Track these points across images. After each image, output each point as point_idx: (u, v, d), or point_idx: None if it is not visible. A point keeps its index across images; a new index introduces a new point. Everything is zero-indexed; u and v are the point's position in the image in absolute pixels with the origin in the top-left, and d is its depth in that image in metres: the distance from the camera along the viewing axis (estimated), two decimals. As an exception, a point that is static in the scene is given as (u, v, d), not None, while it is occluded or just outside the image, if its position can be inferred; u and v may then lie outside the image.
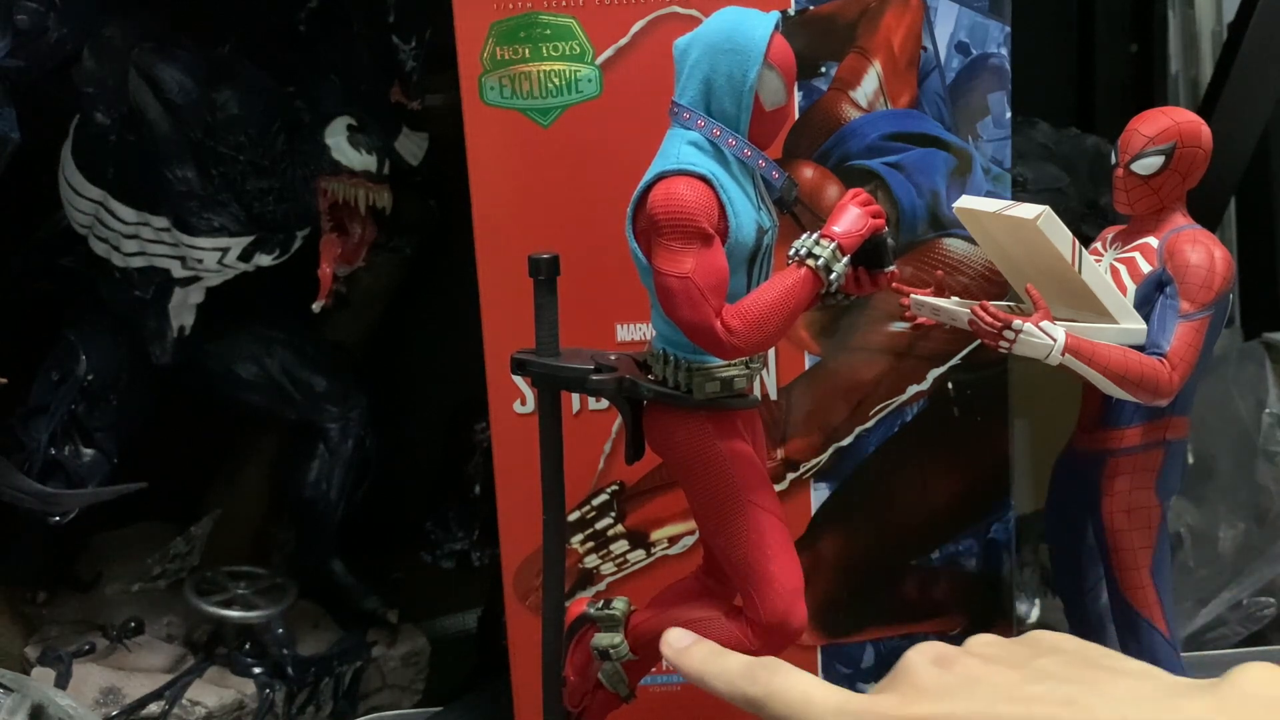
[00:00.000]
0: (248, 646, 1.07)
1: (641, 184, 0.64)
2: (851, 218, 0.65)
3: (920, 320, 0.83)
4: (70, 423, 1.06)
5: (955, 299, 0.83)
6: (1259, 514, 1.14)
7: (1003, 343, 0.72)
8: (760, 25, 0.64)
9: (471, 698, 1.07)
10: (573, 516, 0.89)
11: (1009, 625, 0.94)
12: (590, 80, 0.84)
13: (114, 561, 1.16)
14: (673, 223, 0.61)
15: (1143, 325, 0.77)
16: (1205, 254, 0.77)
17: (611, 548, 0.91)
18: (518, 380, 0.86)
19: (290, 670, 1.05)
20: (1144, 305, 0.78)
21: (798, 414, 0.90)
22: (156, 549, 1.14)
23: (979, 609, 0.93)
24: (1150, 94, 1.43)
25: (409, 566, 1.26)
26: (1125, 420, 0.82)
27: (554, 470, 0.70)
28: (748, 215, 0.64)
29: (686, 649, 0.50)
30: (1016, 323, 0.72)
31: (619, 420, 0.70)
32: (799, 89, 0.86)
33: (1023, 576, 1.17)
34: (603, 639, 0.72)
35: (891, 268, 0.68)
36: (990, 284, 0.88)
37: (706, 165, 0.63)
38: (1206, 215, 0.92)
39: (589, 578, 0.91)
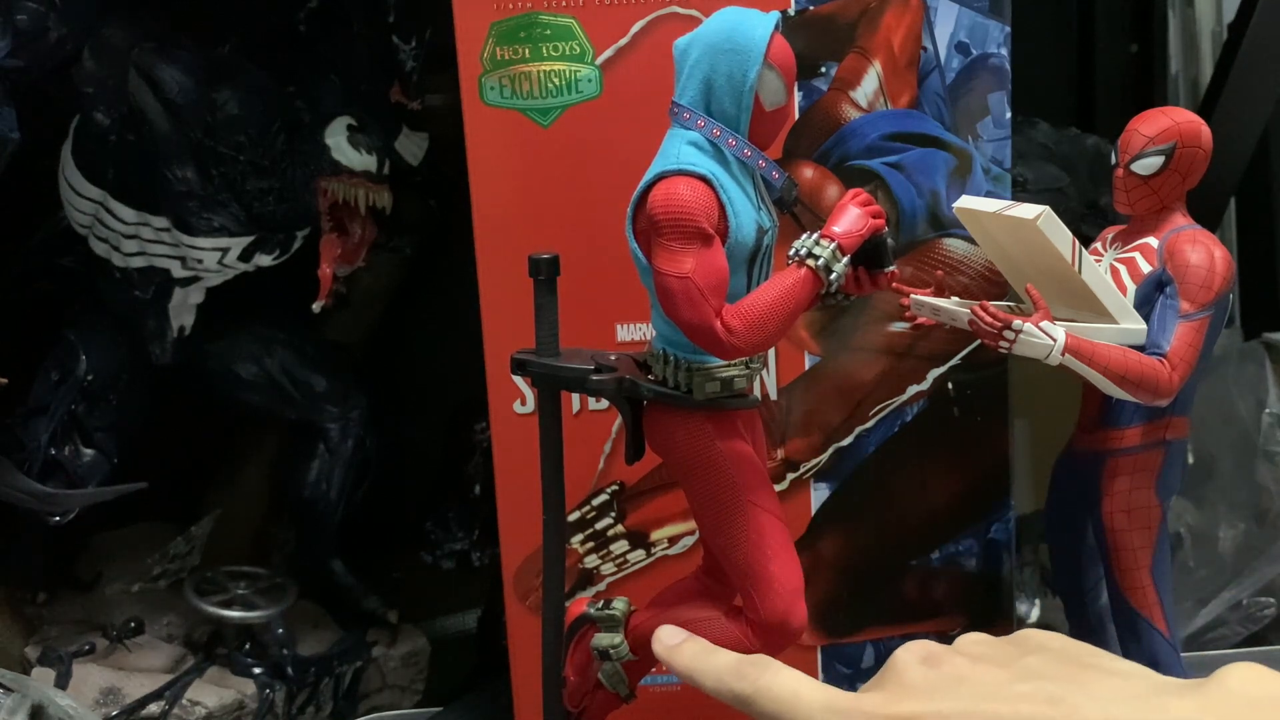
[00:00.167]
0: (248, 646, 1.07)
1: (641, 184, 0.64)
2: (851, 218, 0.65)
3: (920, 320, 0.83)
4: (70, 423, 1.06)
5: (955, 299, 0.83)
6: (1259, 514, 1.14)
7: (1003, 343, 0.72)
8: (760, 25, 0.64)
9: (471, 698, 1.07)
10: (573, 516, 0.89)
11: (1009, 625, 0.94)
12: (590, 80, 0.84)
13: (114, 561, 1.16)
14: (673, 223, 0.61)
15: (1143, 325, 0.77)
16: (1205, 254, 0.77)
17: (611, 548, 0.91)
18: (518, 380, 0.86)
19: (290, 670, 1.05)
20: (1144, 305, 0.78)
21: (798, 414, 0.90)
22: (156, 549, 1.14)
23: (979, 609, 0.93)
24: (1150, 94, 1.43)
25: (409, 566, 1.26)
26: (1125, 420, 0.82)
27: (554, 470, 0.70)
28: (748, 215, 0.64)
29: (677, 646, 0.50)
30: (1016, 323, 0.72)
31: (619, 420, 0.70)
32: (799, 89, 0.86)
33: (1023, 576, 1.17)
34: (603, 639, 0.72)
35: (891, 268, 0.68)
36: (990, 284, 0.88)
37: (706, 165, 0.63)
38: (1206, 215, 0.92)
39: (589, 578, 0.91)
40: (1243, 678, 0.36)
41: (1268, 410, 1.16)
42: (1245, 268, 1.31)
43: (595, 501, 0.90)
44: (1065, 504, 0.89)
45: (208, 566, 1.15)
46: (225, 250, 1.02)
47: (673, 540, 0.91)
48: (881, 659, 0.92)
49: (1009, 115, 0.87)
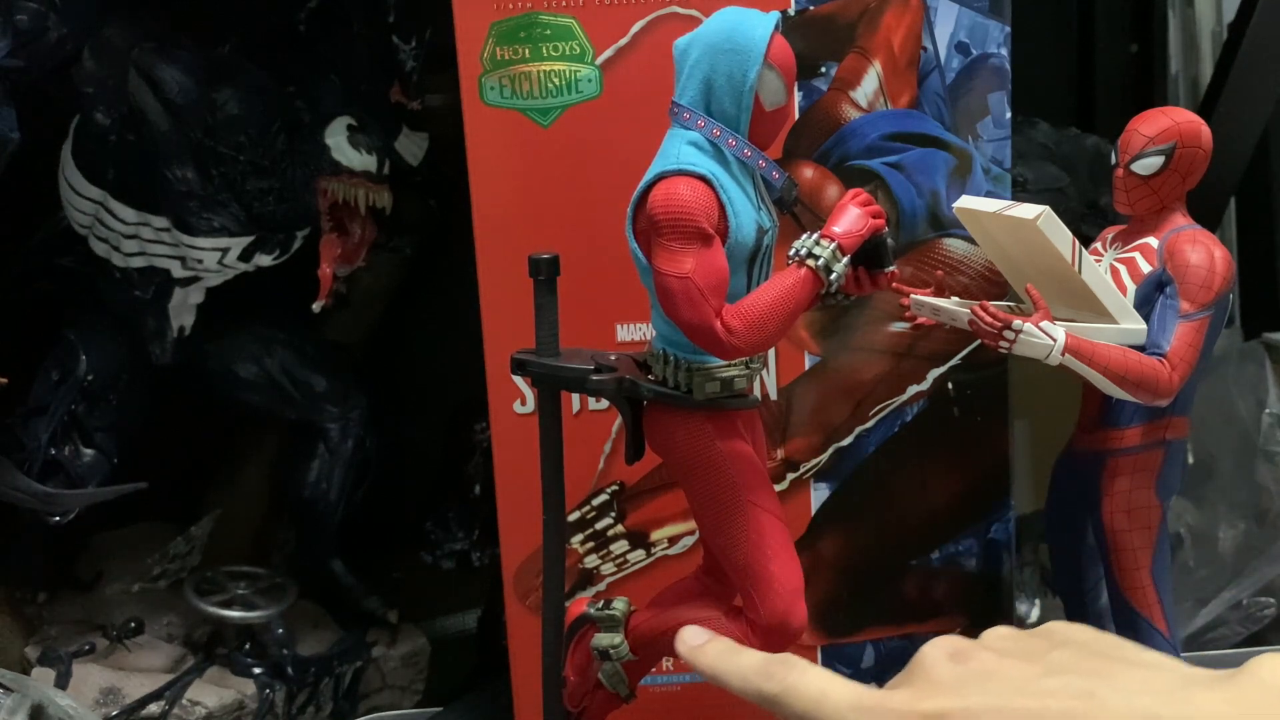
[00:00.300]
0: (248, 646, 1.07)
1: (641, 184, 0.64)
2: (851, 218, 0.65)
3: (920, 320, 0.83)
4: (70, 423, 1.06)
5: (955, 299, 0.83)
6: (1259, 514, 1.14)
7: (1003, 343, 0.72)
8: (760, 25, 0.64)
9: (471, 698, 1.07)
10: (573, 516, 0.89)
11: (1009, 625, 0.94)
12: (590, 80, 0.84)
13: (114, 561, 1.16)
14: (673, 223, 0.61)
15: (1143, 325, 0.77)
16: (1205, 254, 0.77)
17: (611, 548, 0.91)
18: (518, 380, 0.86)
19: (290, 670, 1.05)
20: (1144, 305, 0.78)
21: (798, 414, 0.90)
22: (156, 549, 1.14)
23: (979, 609, 0.93)
24: (1150, 94, 1.43)
25: (409, 566, 1.26)
26: (1125, 420, 0.82)
27: (554, 470, 0.70)
28: (748, 215, 0.64)
29: (701, 646, 0.50)
30: (1016, 323, 0.72)
31: (619, 420, 0.70)
32: (799, 89, 0.86)
33: (1023, 576, 1.17)
34: (603, 639, 0.72)
35: (891, 268, 0.68)
36: (990, 284, 0.88)
37: (706, 165, 0.63)
38: (1206, 215, 0.92)
39: (589, 578, 0.91)
40: (1274, 669, 0.36)
41: (1268, 410, 1.16)
42: (1245, 268, 1.31)
43: (595, 501, 0.90)
44: (1065, 504, 0.89)
45: (208, 566, 1.15)
46: (225, 250, 1.02)
47: (673, 540, 0.91)
48: (881, 659, 0.93)
49: (1009, 115, 0.87)
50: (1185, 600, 1.10)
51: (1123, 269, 0.81)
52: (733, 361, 0.65)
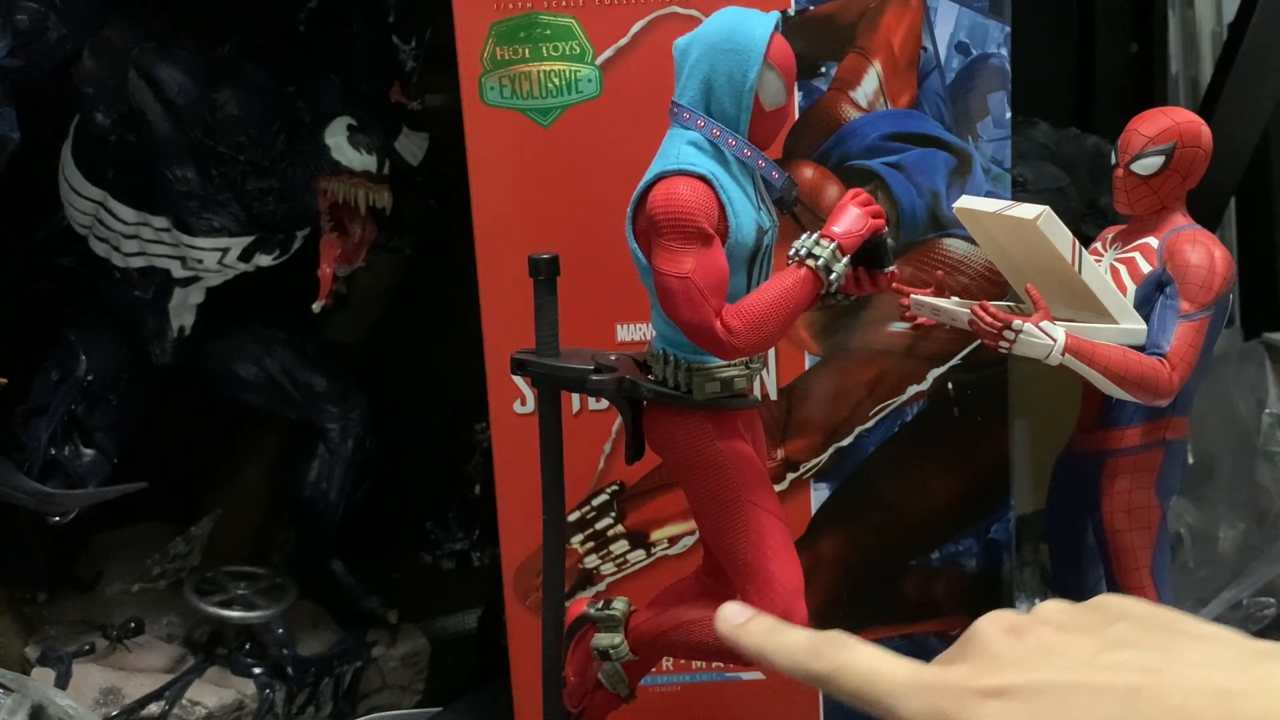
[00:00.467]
0: (248, 646, 1.07)
1: (641, 184, 0.64)
2: (851, 218, 0.65)
3: (920, 320, 0.83)
4: (70, 423, 1.06)
5: (955, 299, 0.83)
6: (1259, 514, 1.14)
7: (1003, 343, 0.72)
8: (760, 25, 0.64)
9: (471, 698, 1.07)
10: (573, 516, 0.89)
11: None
12: (590, 80, 0.84)
13: (114, 561, 1.16)
14: (672, 223, 0.61)
15: (1143, 325, 0.77)
16: (1205, 254, 0.77)
17: (611, 548, 0.91)
18: (518, 380, 0.86)
19: (290, 670, 1.05)
20: (1144, 305, 0.78)
21: (798, 414, 0.90)
22: (156, 549, 1.14)
23: (979, 609, 0.91)
24: (1150, 94, 1.43)
25: (409, 566, 1.26)
26: (1125, 420, 0.82)
27: (554, 470, 0.70)
28: (748, 215, 0.64)
29: (744, 625, 0.48)
30: (1016, 323, 0.72)
31: (619, 420, 0.70)
32: (799, 89, 0.86)
33: (1023, 576, 1.17)
34: (603, 639, 0.72)
35: (891, 268, 0.68)
36: (990, 284, 0.88)
37: (706, 165, 0.63)
38: (1206, 215, 0.92)
39: (589, 578, 0.91)
40: None
41: (1268, 410, 1.16)
42: (1245, 268, 1.31)
43: (595, 501, 0.90)
44: (1065, 504, 0.89)
45: (208, 566, 1.15)
46: (225, 250, 1.02)
47: (673, 540, 0.91)
48: (881, 659, 0.92)
49: (1009, 115, 0.87)
50: (1185, 600, 1.10)
51: (1123, 269, 0.81)
52: (733, 361, 0.65)
